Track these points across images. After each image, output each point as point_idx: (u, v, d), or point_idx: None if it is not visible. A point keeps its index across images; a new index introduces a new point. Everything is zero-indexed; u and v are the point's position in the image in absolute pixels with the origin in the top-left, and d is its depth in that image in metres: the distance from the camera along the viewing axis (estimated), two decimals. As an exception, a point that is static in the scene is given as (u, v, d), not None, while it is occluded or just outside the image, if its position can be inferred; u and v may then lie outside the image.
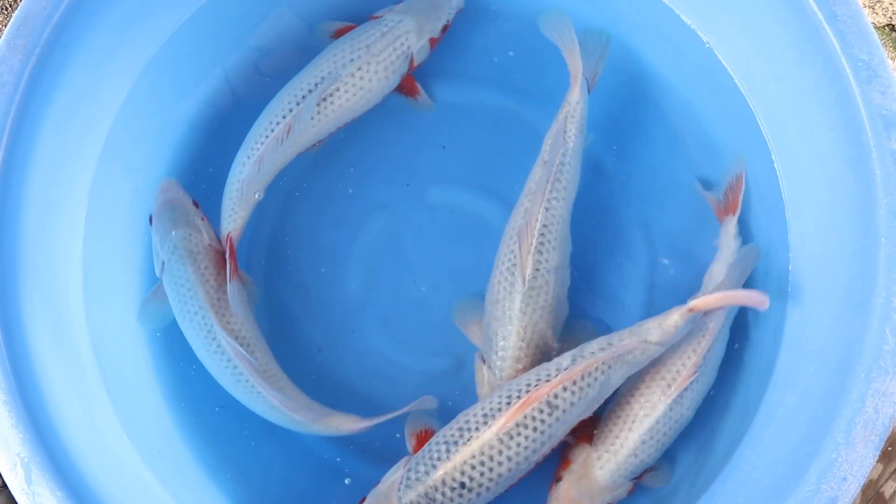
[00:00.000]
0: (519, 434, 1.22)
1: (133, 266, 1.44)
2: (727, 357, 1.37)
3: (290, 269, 1.52)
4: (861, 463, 1.10)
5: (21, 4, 1.22)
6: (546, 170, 1.36)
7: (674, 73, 1.52)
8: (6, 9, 1.76)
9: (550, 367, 1.27)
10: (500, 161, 1.56)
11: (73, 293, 1.31)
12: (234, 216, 1.43)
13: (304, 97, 1.41)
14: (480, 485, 1.23)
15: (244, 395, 1.37)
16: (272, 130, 1.41)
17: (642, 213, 1.52)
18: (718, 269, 1.38)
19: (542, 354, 1.34)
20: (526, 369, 1.32)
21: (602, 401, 1.29)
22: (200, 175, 1.50)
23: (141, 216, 1.45)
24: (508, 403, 1.23)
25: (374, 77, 1.45)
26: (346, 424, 1.37)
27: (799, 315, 1.29)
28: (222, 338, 1.34)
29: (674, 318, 1.28)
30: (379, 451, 1.45)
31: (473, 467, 1.22)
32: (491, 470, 1.22)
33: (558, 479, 1.32)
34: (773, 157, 1.37)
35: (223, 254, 1.41)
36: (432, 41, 1.50)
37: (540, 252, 1.33)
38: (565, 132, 1.38)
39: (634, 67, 1.54)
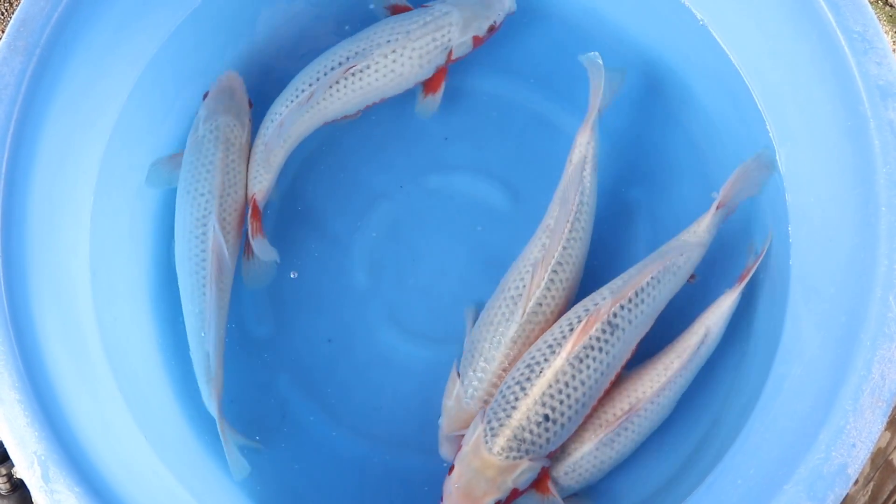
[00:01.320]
0: (587, 356, 1.25)
1: (140, 262, 1.45)
2: (733, 328, 1.38)
3: (295, 261, 1.53)
4: (869, 429, 1.11)
5: (20, 6, 1.23)
6: (565, 209, 1.36)
7: (668, 52, 1.53)
8: (3, 12, 1.76)
9: (604, 290, 1.30)
10: (501, 146, 1.57)
11: (82, 291, 1.32)
12: (259, 178, 1.45)
13: (332, 68, 1.43)
14: (562, 414, 1.25)
15: (190, 301, 1.38)
16: (296, 97, 1.43)
17: (644, 195, 1.53)
18: (702, 331, 1.36)
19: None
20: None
21: (656, 316, 1.33)
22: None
23: (146, 213, 1.46)
24: (571, 330, 1.26)
25: (407, 62, 1.45)
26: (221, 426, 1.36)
27: (802, 287, 1.30)
28: (213, 226, 1.37)
29: (706, 221, 1.36)
30: (404, 443, 1.47)
31: (552, 396, 1.24)
32: (569, 397, 1.25)
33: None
34: (769, 131, 1.38)
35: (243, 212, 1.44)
36: (476, 39, 1.49)
37: (548, 289, 1.33)
38: (583, 171, 1.38)
39: (627, 47, 1.56)
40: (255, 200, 1.44)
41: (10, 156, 1.21)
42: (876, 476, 1.43)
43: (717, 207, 1.35)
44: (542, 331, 1.33)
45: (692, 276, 1.38)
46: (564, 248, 1.34)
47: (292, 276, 1.51)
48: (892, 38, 1.81)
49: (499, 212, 1.52)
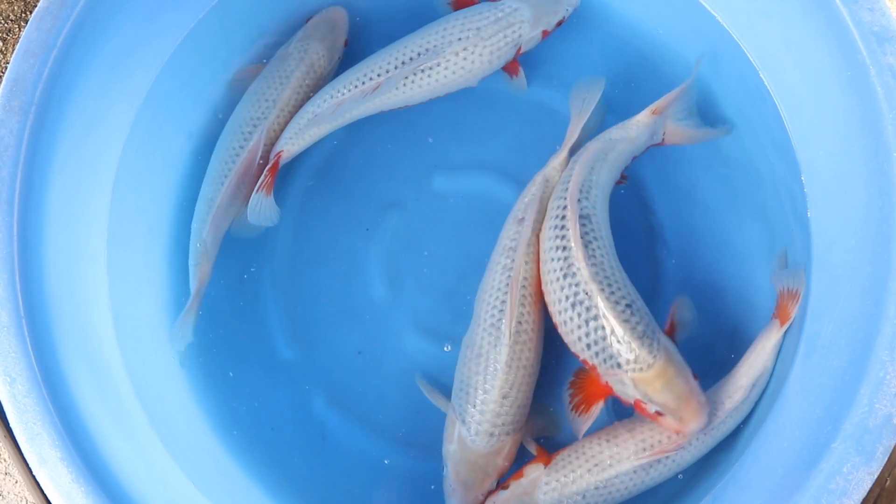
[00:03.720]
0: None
1: (159, 302, 1.46)
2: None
3: (314, 280, 1.53)
4: (911, 376, 1.11)
5: (10, 65, 1.23)
6: (524, 227, 1.37)
7: (658, 19, 1.53)
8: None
9: (560, 189, 1.35)
10: (506, 141, 1.57)
11: (107, 338, 1.32)
12: (293, 140, 1.46)
13: (402, 63, 1.44)
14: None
15: (208, 185, 1.46)
16: (362, 83, 1.44)
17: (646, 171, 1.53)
18: (750, 374, 1.33)
19: (520, 414, 1.35)
20: (505, 425, 1.33)
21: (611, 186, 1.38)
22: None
23: (160, 253, 1.47)
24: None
25: (478, 60, 1.44)
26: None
27: (823, 242, 1.30)
28: (262, 130, 1.46)
29: (637, 118, 1.41)
30: (422, 446, 1.47)
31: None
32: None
33: (504, 487, 1.34)
34: (770, 91, 1.37)
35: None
36: (545, 33, 1.48)
37: (523, 305, 1.35)
38: (542, 194, 1.40)
39: (618, 26, 1.55)
40: (279, 157, 1.46)
41: (21, 214, 1.22)
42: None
43: (652, 112, 1.40)
44: (530, 349, 1.34)
45: (623, 178, 1.42)
46: (526, 262, 1.36)
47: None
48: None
49: (511, 206, 1.52)
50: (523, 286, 1.35)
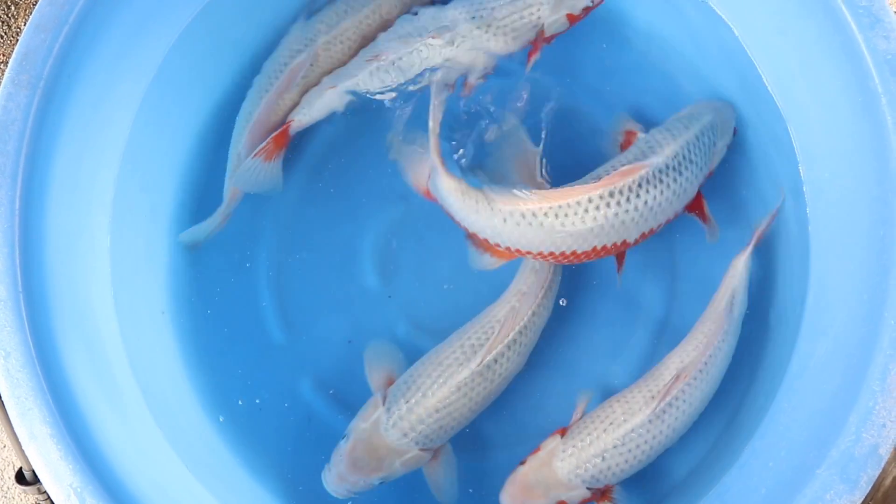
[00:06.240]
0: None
1: (160, 282, 1.46)
2: (755, 304, 1.39)
3: (309, 267, 1.54)
4: (899, 409, 1.11)
5: (20, 39, 1.23)
6: (539, 278, 1.39)
7: (673, 32, 1.52)
8: (2, 35, 1.76)
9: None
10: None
11: (105, 317, 1.32)
12: (306, 111, 1.46)
13: (412, 37, 1.43)
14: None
15: (249, 99, 1.49)
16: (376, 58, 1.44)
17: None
18: (728, 294, 1.38)
19: (439, 435, 1.36)
20: (421, 434, 1.34)
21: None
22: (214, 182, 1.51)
23: (162, 233, 1.47)
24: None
25: (493, 39, 1.43)
26: None
27: (822, 264, 1.30)
28: (309, 53, 1.47)
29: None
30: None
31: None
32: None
33: (522, 462, 1.35)
34: (780, 110, 1.37)
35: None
36: (571, 17, 1.44)
37: (509, 347, 1.36)
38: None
39: (632, 29, 1.55)
40: (288, 125, 1.45)
41: (24, 190, 1.22)
42: (907, 447, 1.43)
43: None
44: (486, 389, 1.35)
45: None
46: (534, 313, 1.38)
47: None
48: (896, -4, 1.79)
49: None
50: (520, 332, 1.36)
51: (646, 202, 1.27)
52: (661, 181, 1.28)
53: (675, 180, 1.30)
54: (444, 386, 1.33)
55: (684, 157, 1.31)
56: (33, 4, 1.74)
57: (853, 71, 1.22)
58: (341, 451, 1.35)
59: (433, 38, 1.42)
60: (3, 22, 1.76)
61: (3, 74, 1.25)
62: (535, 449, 1.36)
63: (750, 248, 1.38)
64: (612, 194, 1.25)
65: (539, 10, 1.42)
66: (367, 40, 1.48)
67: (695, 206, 1.38)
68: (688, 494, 1.34)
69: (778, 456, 1.21)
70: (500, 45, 1.44)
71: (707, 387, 1.34)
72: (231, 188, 1.46)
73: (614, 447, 1.30)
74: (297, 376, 1.50)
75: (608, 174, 1.28)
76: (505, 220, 1.28)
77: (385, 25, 1.49)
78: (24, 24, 1.23)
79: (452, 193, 1.32)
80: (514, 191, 1.29)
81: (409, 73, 1.44)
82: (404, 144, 1.39)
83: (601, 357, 1.52)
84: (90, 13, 1.26)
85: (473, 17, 1.42)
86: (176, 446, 1.31)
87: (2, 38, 1.75)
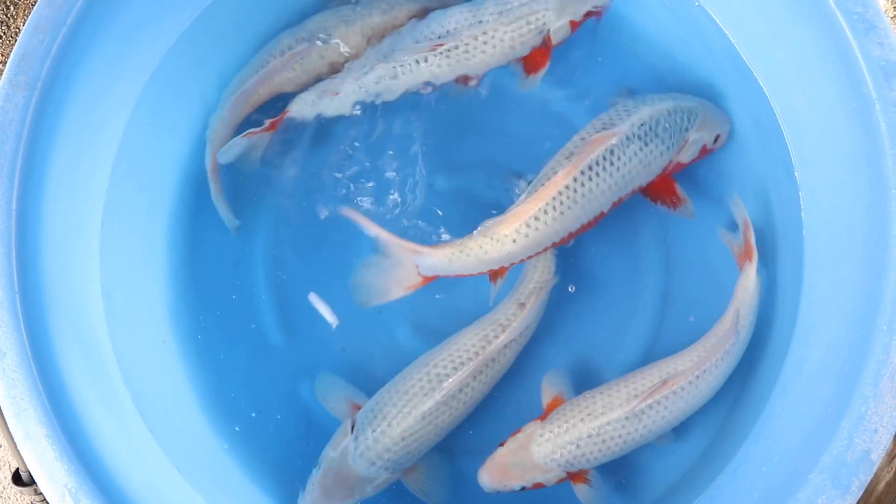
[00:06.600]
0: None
1: (156, 282, 1.46)
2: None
3: (307, 270, 1.54)
4: (891, 414, 1.11)
5: (19, 40, 1.23)
6: (524, 313, 1.40)
7: (668, 35, 1.52)
8: (1, 35, 1.76)
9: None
10: (507, 140, 1.57)
11: (99, 318, 1.33)
12: (303, 105, 1.47)
13: (418, 41, 1.44)
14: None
15: (249, 67, 1.51)
16: (379, 58, 1.45)
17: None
18: (732, 313, 1.37)
19: (408, 459, 1.37)
20: (389, 461, 1.35)
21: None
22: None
23: (157, 232, 1.47)
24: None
25: (499, 44, 1.43)
26: None
27: (817, 269, 1.30)
28: (322, 37, 1.49)
29: None
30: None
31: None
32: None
33: (502, 443, 1.36)
34: (776, 114, 1.37)
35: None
36: (573, 24, 1.45)
37: (475, 377, 1.37)
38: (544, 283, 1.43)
39: (625, 32, 1.55)
40: (284, 115, 1.47)
41: (21, 190, 1.22)
42: (900, 452, 1.43)
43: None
44: (450, 416, 1.37)
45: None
46: (506, 346, 1.38)
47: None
48: (892, 2, 1.80)
49: (507, 205, 1.52)
50: (487, 365, 1.37)
51: (618, 168, 1.31)
52: (628, 148, 1.32)
53: (640, 149, 1.33)
54: (409, 416, 1.34)
55: (650, 129, 1.34)
56: (32, 4, 1.74)
57: (848, 76, 1.22)
58: (314, 479, 1.36)
59: (434, 49, 1.42)
60: (1, 22, 1.77)
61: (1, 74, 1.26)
62: (515, 431, 1.37)
63: (754, 268, 1.37)
64: (590, 167, 1.29)
65: (545, 15, 1.43)
66: (379, 37, 1.50)
67: (667, 192, 1.40)
68: (680, 497, 1.34)
69: (771, 460, 1.22)
70: (505, 50, 1.44)
71: (694, 399, 1.35)
72: (211, 147, 1.48)
73: (589, 437, 1.31)
74: (294, 379, 1.51)
75: (578, 148, 1.31)
76: (514, 241, 1.30)
77: (399, 25, 1.51)
78: (24, 24, 1.23)
79: (453, 258, 1.32)
80: (497, 217, 1.32)
81: (413, 84, 1.46)
82: (370, 271, 1.37)
83: (608, 336, 1.53)
84: (88, 15, 1.26)
85: (480, 22, 1.42)
86: (170, 448, 1.31)
87: (1, 37, 1.75)
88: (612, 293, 1.52)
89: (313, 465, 1.41)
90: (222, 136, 1.48)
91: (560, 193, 1.29)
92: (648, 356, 1.48)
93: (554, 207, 1.29)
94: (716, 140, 1.43)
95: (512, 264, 1.33)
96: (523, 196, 1.31)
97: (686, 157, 1.40)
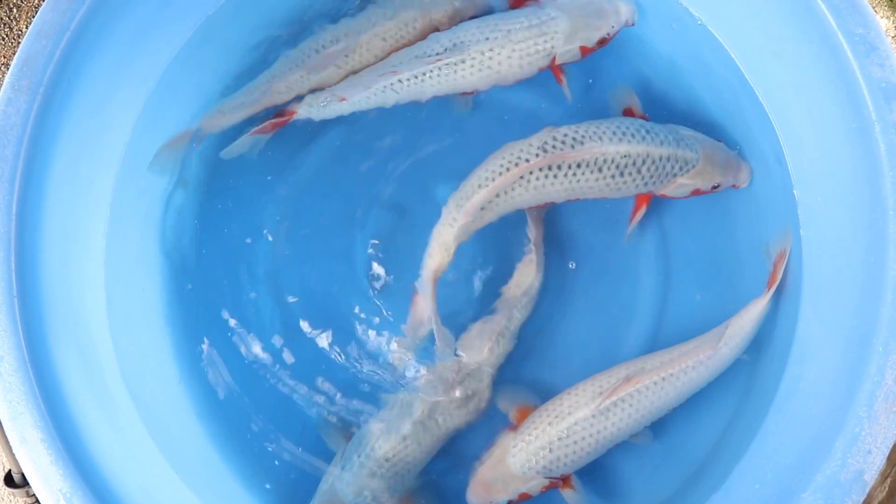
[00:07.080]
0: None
1: (154, 287, 1.46)
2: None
3: (306, 276, 1.54)
4: (885, 435, 1.12)
5: (21, 44, 1.23)
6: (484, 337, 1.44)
7: (670, 54, 1.53)
8: (3, 38, 1.76)
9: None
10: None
11: (98, 322, 1.33)
12: (309, 107, 1.47)
13: (427, 55, 1.43)
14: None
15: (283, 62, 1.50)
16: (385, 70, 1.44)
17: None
18: (722, 328, 1.37)
19: (394, 482, 1.39)
20: (375, 490, 1.37)
21: None
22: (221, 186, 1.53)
23: (156, 238, 1.47)
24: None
25: (506, 62, 1.42)
26: None
27: (814, 288, 1.30)
28: (350, 44, 1.48)
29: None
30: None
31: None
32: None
33: (480, 461, 1.37)
34: (777, 133, 1.37)
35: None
36: (584, 49, 1.44)
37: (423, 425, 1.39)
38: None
39: (628, 49, 1.55)
40: (291, 114, 1.47)
41: (21, 194, 1.23)
42: (893, 472, 1.43)
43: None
44: (432, 436, 1.39)
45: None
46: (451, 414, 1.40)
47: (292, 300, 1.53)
48: (894, 21, 1.80)
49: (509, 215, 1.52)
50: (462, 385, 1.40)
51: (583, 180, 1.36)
52: (600, 170, 1.35)
53: (613, 177, 1.36)
54: (390, 440, 1.37)
55: (632, 163, 1.36)
56: (35, 7, 1.74)
57: (848, 97, 1.23)
58: None
59: (441, 59, 1.42)
60: (4, 24, 1.77)
61: (3, 77, 1.26)
62: (489, 445, 1.37)
63: (768, 295, 1.36)
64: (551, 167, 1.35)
65: (553, 38, 1.42)
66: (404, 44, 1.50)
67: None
68: (673, 515, 1.35)
69: (764, 479, 1.22)
70: (512, 69, 1.44)
71: (660, 400, 1.34)
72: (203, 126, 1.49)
73: (559, 439, 1.32)
74: (293, 385, 1.50)
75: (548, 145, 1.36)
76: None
77: (431, 28, 1.51)
78: (26, 28, 1.24)
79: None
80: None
81: (423, 96, 1.45)
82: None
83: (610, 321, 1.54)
84: (92, 21, 1.27)
85: (487, 39, 1.41)
86: (166, 453, 1.31)
87: (3, 40, 1.75)
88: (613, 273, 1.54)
89: (307, 471, 1.43)
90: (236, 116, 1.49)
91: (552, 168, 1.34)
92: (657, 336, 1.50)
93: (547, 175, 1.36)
94: (714, 187, 1.43)
95: None
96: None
97: (672, 194, 1.42)
